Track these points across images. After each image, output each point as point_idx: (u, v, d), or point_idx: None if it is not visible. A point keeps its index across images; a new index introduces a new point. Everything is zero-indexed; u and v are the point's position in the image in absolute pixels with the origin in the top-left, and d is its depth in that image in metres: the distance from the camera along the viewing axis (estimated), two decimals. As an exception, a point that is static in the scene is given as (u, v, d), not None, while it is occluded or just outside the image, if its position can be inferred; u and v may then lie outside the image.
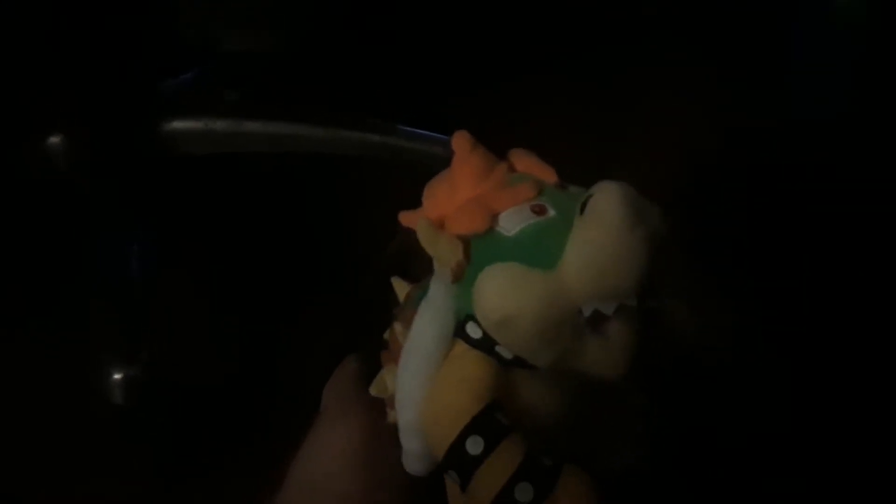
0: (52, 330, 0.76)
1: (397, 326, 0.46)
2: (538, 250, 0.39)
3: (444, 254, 0.41)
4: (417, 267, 0.53)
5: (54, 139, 0.73)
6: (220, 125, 0.78)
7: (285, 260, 0.82)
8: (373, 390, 0.47)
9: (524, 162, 0.45)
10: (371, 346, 0.49)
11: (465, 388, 0.40)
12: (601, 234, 0.37)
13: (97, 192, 0.78)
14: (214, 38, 0.78)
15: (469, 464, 0.38)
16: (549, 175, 0.44)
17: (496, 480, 0.37)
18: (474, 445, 0.38)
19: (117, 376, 0.73)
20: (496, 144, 0.46)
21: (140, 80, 0.80)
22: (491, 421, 0.39)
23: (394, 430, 0.43)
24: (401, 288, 0.50)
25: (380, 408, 0.46)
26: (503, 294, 0.38)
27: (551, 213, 0.41)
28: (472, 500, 0.38)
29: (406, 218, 0.45)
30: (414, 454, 0.42)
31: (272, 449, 0.51)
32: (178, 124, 0.78)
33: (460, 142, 0.44)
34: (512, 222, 0.41)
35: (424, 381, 0.41)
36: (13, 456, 0.69)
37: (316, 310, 0.77)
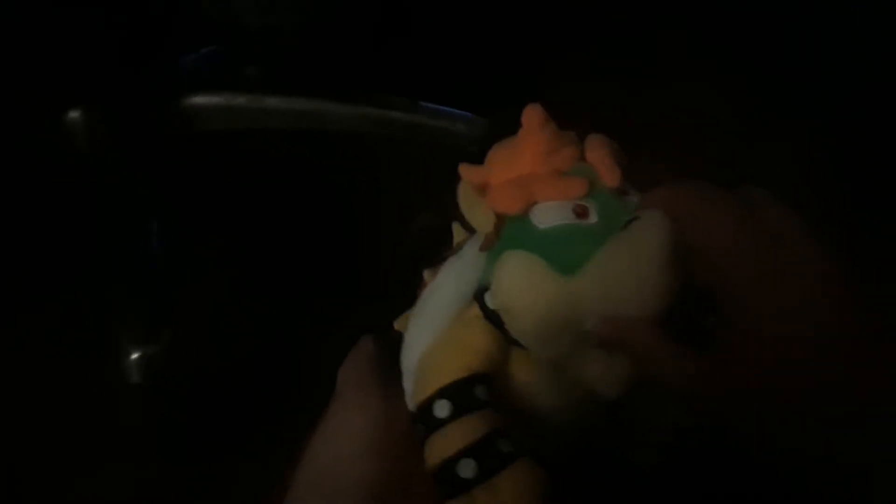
0: (72, 308, 0.76)
1: (428, 272, 0.46)
2: (563, 253, 0.38)
3: (478, 222, 0.42)
4: (441, 245, 0.51)
5: (74, 114, 0.72)
6: (240, 101, 0.77)
7: (305, 239, 0.81)
8: (396, 324, 0.47)
9: (595, 154, 0.41)
10: (388, 325, 0.48)
11: (460, 353, 0.40)
12: (632, 261, 0.36)
13: (117, 169, 0.78)
14: (236, 14, 0.76)
15: (432, 424, 0.38)
16: (610, 178, 0.40)
17: (446, 449, 0.37)
18: (441, 409, 0.39)
19: (135, 355, 0.72)
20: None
21: (161, 55, 0.79)
22: (466, 392, 0.39)
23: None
24: (459, 233, 0.49)
25: (396, 389, 0.45)
26: (514, 284, 0.38)
27: (593, 218, 0.39)
28: (425, 458, 0.39)
29: (465, 172, 0.44)
30: (409, 396, 0.42)
31: (289, 431, 0.50)
32: (199, 99, 0.78)
33: (531, 115, 0.42)
34: (549, 216, 0.39)
35: (431, 331, 0.42)
36: (30, 432, 0.69)
37: (335, 289, 0.76)
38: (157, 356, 0.72)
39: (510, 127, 0.45)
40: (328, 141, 0.81)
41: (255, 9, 0.76)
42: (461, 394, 0.39)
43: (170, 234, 0.78)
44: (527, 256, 0.38)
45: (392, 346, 0.47)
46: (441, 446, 0.38)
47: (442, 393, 0.39)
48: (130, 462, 0.68)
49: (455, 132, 0.74)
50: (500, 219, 0.41)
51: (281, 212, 0.82)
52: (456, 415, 0.38)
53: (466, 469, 0.37)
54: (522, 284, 0.38)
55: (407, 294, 0.48)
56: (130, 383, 0.72)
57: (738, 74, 0.97)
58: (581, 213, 0.39)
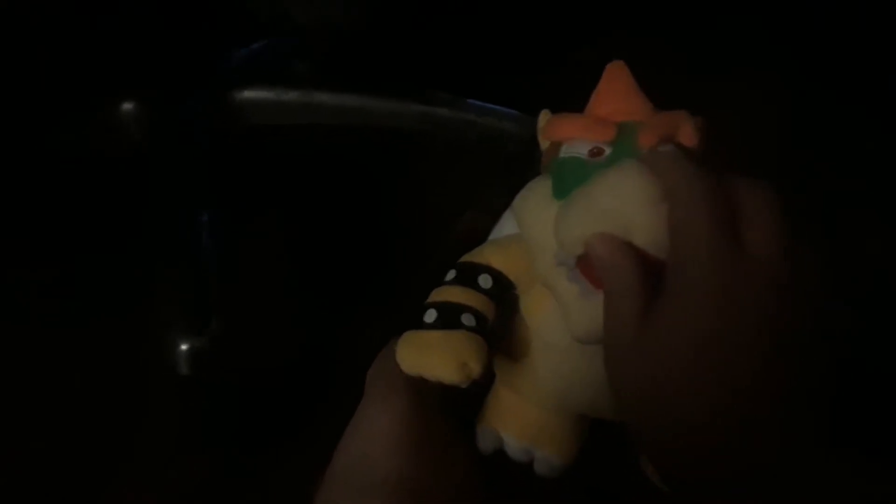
0: (122, 299, 0.77)
1: None
2: (560, 180, 0.43)
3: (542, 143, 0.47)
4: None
5: (127, 106, 0.74)
6: (290, 96, 0.78)
7: (345, 237, 0.81)
8: None
9: (663, 117, 0.43)
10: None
11: (493, 246, 0.48)
12: (583, 200, 0.39)
13: (168, 162, 0.78)
14: (286, 7, 0.77)
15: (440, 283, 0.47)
16: (648, 138, 0.41)
17: (432, 296, 0.46)
18: (449, 275, 0.47)
19: (184, 347, 0.73)
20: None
21: (212, 49, 0.80)
22: (471, 270, 0.46)
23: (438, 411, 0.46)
24: None
25: (424, 388, 0.45)
26: (522, 198, 0.45)
27: (602, 160, 0.42)
28: None
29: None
30: None
31: (324, 429, 0.50)
32: (250, 94, 0.78)
33: (610, 66, 0.46)
34: (570, 149, 0.44)
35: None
36: (76, 422, 0.70)
37: (375, 289, 0.76)
38: (206, 349, 0.73)
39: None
40: (372, 137, 0.81)
41: (304, 4, 0.76)
42: (467, 271, 0.46)
43: (220, 226, 0.79)
44: (543, 179, 0.45)
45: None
46: (433, 294, 0.46)
47: (455, 266, 0.47)
48: (171, 456, 0.69)
49: (503, 130, 0.73)
50: (550, 146, 0.46)
51: (323, 208, 0.82)
52: (455, 282, 0.46)
53: (429, 316, 0.44)
54: (525, 200, 0.45)
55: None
56: (177, 376, 0.72)
57: (792, 76, 0.94)
58: (596, 153, 0.42)
